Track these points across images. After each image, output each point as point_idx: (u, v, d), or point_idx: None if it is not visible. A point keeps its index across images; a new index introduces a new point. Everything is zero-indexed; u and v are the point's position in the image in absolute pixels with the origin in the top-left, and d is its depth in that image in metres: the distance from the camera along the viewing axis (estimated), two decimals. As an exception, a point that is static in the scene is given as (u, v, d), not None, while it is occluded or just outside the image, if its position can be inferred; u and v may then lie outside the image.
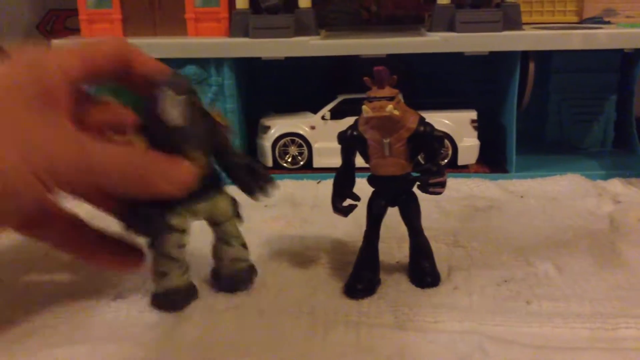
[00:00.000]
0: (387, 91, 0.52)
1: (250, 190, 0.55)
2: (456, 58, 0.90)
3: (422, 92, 1.02)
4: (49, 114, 0.44)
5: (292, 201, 0.81)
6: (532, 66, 0.90)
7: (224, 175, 0.56)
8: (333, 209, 0.58)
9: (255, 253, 0.61)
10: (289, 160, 0.93)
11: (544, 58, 0.96)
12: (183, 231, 0.53)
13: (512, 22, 0.87)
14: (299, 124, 0.92)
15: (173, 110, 0.48)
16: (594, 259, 0.63)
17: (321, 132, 0.92)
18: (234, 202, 0.56)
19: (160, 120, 0.48)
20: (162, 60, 0.81)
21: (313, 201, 0.81)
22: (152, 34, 0.92)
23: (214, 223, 0.56)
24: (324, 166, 0.92)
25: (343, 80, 1.02)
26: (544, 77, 0.99)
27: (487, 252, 0.65)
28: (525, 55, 0.89)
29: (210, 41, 0.89)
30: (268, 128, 0.92)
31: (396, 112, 0.51)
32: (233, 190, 0.56)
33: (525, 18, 0.92)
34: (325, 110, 0.92)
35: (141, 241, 0.55)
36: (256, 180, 0.55)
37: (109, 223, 0.54)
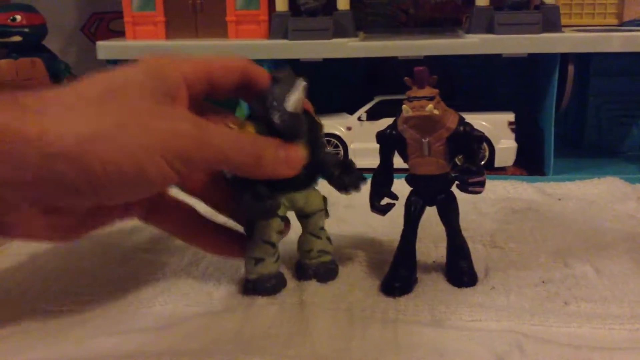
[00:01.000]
0: (427, 91, 0.53)
1: (342, 186, 0.57)
2: (494, 60, 0.90)
3: (460, 94, 1.02)
4: (171, 105, 0.47)
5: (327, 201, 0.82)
6: (571, 69, 0.89)
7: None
8: (371, 207, 0.59)
9: (292, 251, 0.63)
10: (326, 160, 0.94)
11: (583, 60, 0.95)
12: (283, 218, 0.57)
13: (552, 24, 0.87)
14: (336, 124, 0.93)
15: (292, 97, 0.51)
16: (633, 262, 0.62)
17: (357, 133, 0.93)
18: (324, 198, 0.59)
19: (268, 114, 0.52)
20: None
21: (348, 201, 0.82)
22: (194, 36, 0.94)
23: (305, 215, 0.59)
24: (360, 167, 0.92)
25: (380, 81, 1.03)
26: (583, 79, 0.98)
27: (525, 253, 0.65)
28: (565, 58, 0.88)
29: (250, 43, 0.90)
30: (305, 129, 0.94)
31: (436, 112, 0.52)
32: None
33: (564, 20, 0.92)
34: (362, 111, 0.93)
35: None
36: (348, 176, 0.57)
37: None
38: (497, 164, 0.91)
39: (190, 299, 0.57)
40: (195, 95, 0.50)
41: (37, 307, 0.57)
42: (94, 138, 0.41)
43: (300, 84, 0.51)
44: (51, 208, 0.47)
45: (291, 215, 0.59)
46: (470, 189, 0.55)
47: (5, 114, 0.41)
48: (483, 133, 0.59)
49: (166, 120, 0.45)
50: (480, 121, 0.90)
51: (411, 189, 0.58)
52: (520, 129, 0.91)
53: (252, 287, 0.57)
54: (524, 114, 0.93)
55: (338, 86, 1.04)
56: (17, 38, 0.96)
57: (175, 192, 0.58)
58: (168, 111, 0.46)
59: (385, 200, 0.59)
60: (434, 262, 0.63)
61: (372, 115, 0.93)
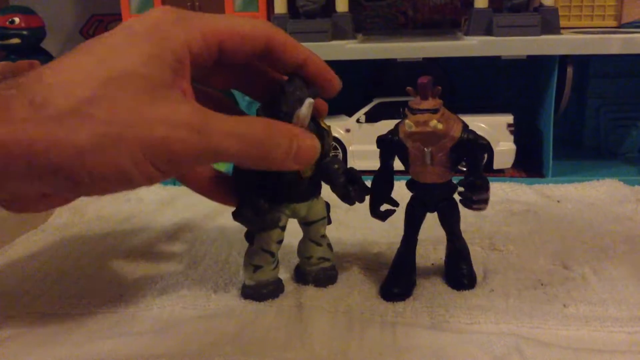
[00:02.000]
0: (431, 103, 0.51)
1: (346, 197, 0.57)
2: (493, 62, 0.90)
3: (458, 96, 1.02)
4: (170, 87, 0.43)
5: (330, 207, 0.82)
6: (570, 71, 0.89)
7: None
8: (371, 213, 0.58)
9: (291, 254, 0.63)
10: (325, 162, 0.94)
11: (582, 62, 0.95)
12: (283, 228, 0.56)
13: (551, 26, 0.87)
14: (334, 126, 0.93)
15: (299, 112, 0.49)
16: (632, 264, 0.62)
17: (356, 135, 0.93)
18: (327, 205, 0.59)
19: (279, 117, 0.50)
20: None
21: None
22: (192, 38, 0.94)
23: (307, 223, 0.58)
24: (358, 169, 0.92)
25: (379, 83, 1.03)
26: (582, 81, 0.98)
27: (524, 255, 0.65)
28: (564, 60, 0.88)
29: (248, 45, 0.90)
30: (304, 131, 0.93)
31: (440, 127, 0.50)
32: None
33: (563, 22, 0.92)
34: (361, 114, 0.93)
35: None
36: (353, 187, 0.56)
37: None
38: (496, 166, 0.91)
39: (188, 302, 0.57)
40: (202, 62, 0.46)
41: (34, 310, 0.57)
42: (83, 151, 0.39)
43: (308, 101, 0.49)
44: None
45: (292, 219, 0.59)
46: (474, 206, 0.54)
47: None
48: (488, 141, 0.57)
49: (160, 124, 0.41)
50: (479, 123, 0.90)
51: (412, 194, 0.57)
52: (519, 131, 0.91)
53: (250, 292, 0.57)
54: (522, 116, 0.93)
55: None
56: (16, 40, 0.96)
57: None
58: (164, 108, 0.42)
59: (385, 206, 0.58)
60: (432, 264, 0.63)
61: (371, 118, 0.93)
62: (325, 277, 0.60)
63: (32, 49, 0.98)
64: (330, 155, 0.58)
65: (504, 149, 0.91)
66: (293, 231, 0.59)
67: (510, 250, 0.66)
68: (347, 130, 0.94)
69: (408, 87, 0.51)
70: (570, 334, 0.50)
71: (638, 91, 0.98)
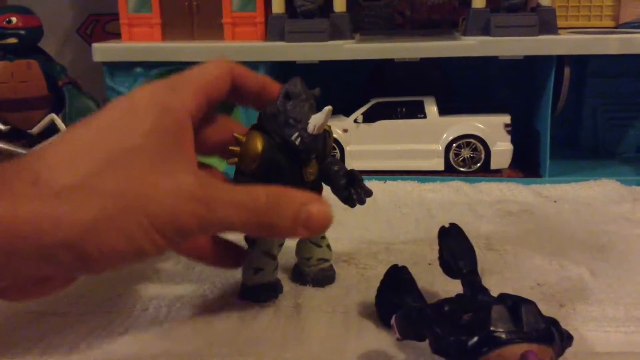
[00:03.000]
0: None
1: (348, 199, 0.56)
2: (491, 62, 0.90)
3: (456, 96, 1.02)
4: (174, 160, 0.43)
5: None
6: (567, 71, 0.89)
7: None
8: None
9: (289, 254, 0.63)
10: (322, 162, 0.94)
11: (580, 63, 0.96)
12: None
13: (548, 26, 0.87)
14: (332, 126, 0.93)
15: (317, 121, 0.50)
16: (629, 264, 0.62)
17: (354, 135, 0.93)
18: None
19: (284, 132, 0.50)
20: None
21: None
22: (190, 38, 0.94)
23: None
24: (357, 169, 0.92)
25: (377, 83, 1.03)
26: (579, 81, 0.98)
27: (520, 255, 0.65)
28: (561, 60, 0.88)
29: (246, 45, 0.90)
30: (301, 131, 0.93)
31: None
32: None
33: (560, 22, 0.92)
34: (358, 114, 0.93)
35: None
36: (354, 188, 0.56)
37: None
38: (492, 166, 0.91)
39: (185, 302, 0.57)
40: (197, 117, 0.47)
41: (31, 310, 0.56)
42: (91, 225, 0.39)
43: (326, 109, 0.49)
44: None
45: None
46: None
47: None
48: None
49: (167, 196, 0.41)
50: (476, 123, 0.90)
51: None
52: (516, 131, 0.91)
53: (249, 293, 0.57)
54: (520, 116, 0.93)
55: (334, 88, 1.03)
56: (13, 40, 0.96)
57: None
58: (169, 180, 0.42)
59: None
60: (429, 264, 0.63)
61: (369, 118, 0.93)
62: (323, 278, 0.60)
63: (29, 48, 0.98)
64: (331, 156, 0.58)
65: (501, 149, 0.91)
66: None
67: (506, 250, 0.66)
68: (345, 131, 0.94)
69: None
70: (566, 334, 0.50)
71: (636, 91, 0.98)
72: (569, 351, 0.44)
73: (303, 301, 0.57)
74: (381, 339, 0.51)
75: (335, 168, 0.56)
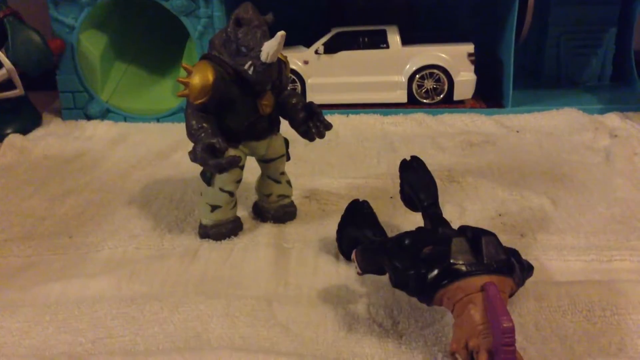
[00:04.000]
0: None
1: (306, 132, 0.54)
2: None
3: (420, 25, 1.00)
4: None
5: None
6: (531, -3, 0.87)
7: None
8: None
9: (249, 191, 0.61)
10: (282, 96, 0.92)
11: (544, -11, 0.94)
12: (242, 167, 0.54)
13: (512, -50, 0.84)
14: (292, 58, 0.90)
15: (269, 48, 0.47)
16: (589, 193, 0.63)
17: (315, 67, 0.90)
18: (286, 141, 0.56)
19: (236, 62, 0.48)
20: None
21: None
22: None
23: (266, 160, 0.56)
24: (318, 102, 0.90)
25: (337, 12, 0.99)
26: (543, 9, 0.96)
27: (482, 186, 0.65)
28: (525, -14, 0.86)
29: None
30: (260, 63, 0.90)
31: None
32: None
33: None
34: (319, 44, 0.90)
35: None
36: (313, 122, 0.54)
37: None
38: (456, 97, 0.90)
39: (141, 242, 0.56)
40: None
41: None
42: None
43: (279, 34, 0.47)
44: None
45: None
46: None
47: None
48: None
49: None
50: (439, 53, 0.88)
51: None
52: (479, 61, 0.89)
53: (208, 232, 0.56)
54: (483, 45, 0.92)
55: (293, 17, 1.00)
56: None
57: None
58: None
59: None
60: (391, 198, 0.63)
61: (330, 49, 0.90)
62: (284, 214, 0.59)
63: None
64: (289, 88, 0.55)
65: (465, 79, 0.89)
66: (250, 167, 0.57)
67: (468, 181, 0.66)
68: (305, 62, 0.91)
69: None
70: (527, 264, 0.50)
71: (599, 19, 0.96)
72: (529, 281, 0.44)
73: (262, 238, 0.56)
74: (341, 274, 0.50)
75: (293, 101, 0.54)
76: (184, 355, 0.40)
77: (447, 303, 0.39)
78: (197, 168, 0.52)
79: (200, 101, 0.48)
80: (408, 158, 0.53)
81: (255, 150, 0.54)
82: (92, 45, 0.89)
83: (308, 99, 0.91)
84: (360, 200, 0.52)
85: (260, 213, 0.59)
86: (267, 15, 0.50)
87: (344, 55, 0.89)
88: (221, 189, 0.54)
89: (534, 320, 0.43)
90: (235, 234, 0.56)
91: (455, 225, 0.45)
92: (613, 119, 0.83)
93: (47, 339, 0.43)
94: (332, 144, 0.78)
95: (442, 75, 0.89)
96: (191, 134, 0.49)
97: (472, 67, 0.89)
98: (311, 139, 0.55)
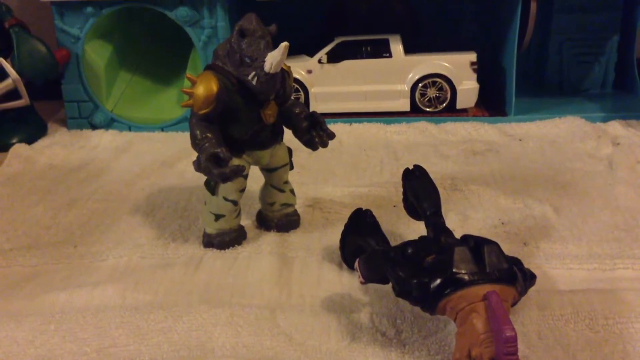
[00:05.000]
0: None
1: (309, 141, 0.55)
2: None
3: (423, 33, 1.00)
4: None
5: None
6: (534, 6, 0.87)
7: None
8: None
9: (253, 200, 0.61)
10: (286, 105, 0.92)
11: (546, -3, 0.94)
12: (245, 176, 0.54)
13: (514, -41, 0.84)
14: (295, 67, 0.91)
15: (273, 58, 0.48)
16: (592, 201, 0.63)
17: (318, 77, 0.91)
18: (289, 150, 0.57)
19: (240, 72, 0.49)
20: (155, 2, 0.80)
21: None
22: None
23: (269, 169, 0.57)
24: (321, 112, 0.91)
25: (340, 21, 1.00)
26: (545, 17, 0.97)
27: (485, 195, 0.65)
28: (527, -5, 0.86)
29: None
30: (264, 72, 0.91)
31: None
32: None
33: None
34: (322, 53, 0.91)
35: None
36: (316, 131, 0.54)
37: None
38: (459, 105, 0.90)
39: (145, 251, 0.56)
40: None
41: (-16, 263, 0.55)
42: None
43: (282, 45, 0.47)
44: None
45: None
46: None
47: None
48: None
49: None
50: (442, 62, 0.88)
51: None
52: (481, 69, 0.90)
53: (212, 241, 0.56)
54: (485, 53, 0.92)
55: (297, 27, 1.00)
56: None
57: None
58: None
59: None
60: (394, 206, 0.63)
61: (333, 57, 0.90)
62: (287, 223, 0.59)
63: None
64: (292, 98, 0.56)
65: (467, 88, 0.89)
66: (254, 176, 0.57)
67: (471, 190, 0.66)
68: (309, 72, 0.91)
69: None
70: (529, 272, 0.50)
71: (601, 26, 0.97)
72: (532, 289, 0.44)
73: (266, 247, 0.56)
74: (345, 283, 0.50)
75: (297, 110, 0.55)
76: (188, 364, 0.41)
77: (450, 312, 0.39)
78: (201, 177, 0.52)
79: (204, 111, 0.49)
80: (411, 167, 0.53)
81: (258, 159, 0.55)
82: (97, 55, 0.90)
83: (311, 108, 0.91)
84: (364, 209, 0.52)
85: (264, 222, 0.60)
86: (270, 25, 0.50)
87: (347, 64, 0.89)
88: (225, 198, 0.54)
89: (537, 329, 0.43)
90: (239, 243, 0.57)
91: (458, 233, 0.45)
92: (615, 127, 0.83)
93: (52, 348, 0.43)
94: (336, 152, 0.78)
95: (445, 84, 0.89)
96: (195, 144, 0.50)
97: (475, 76, 0.89)
98: (314, 148, 0.55)
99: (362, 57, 0.89)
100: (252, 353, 0.42)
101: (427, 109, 0.90)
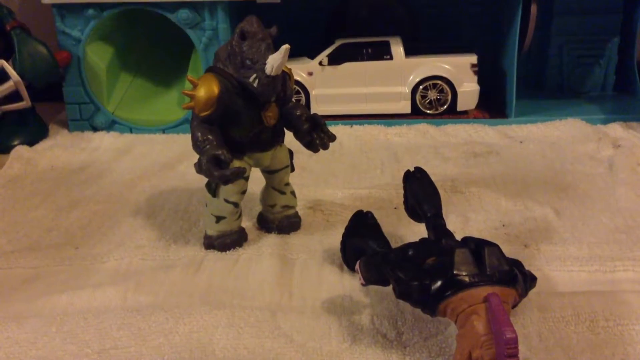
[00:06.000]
0: None
1: (310, 143, 0.55)
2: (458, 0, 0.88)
3: (423, 36, 1.00)
4: None
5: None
6: (534, 8, 0.88)
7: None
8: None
9: (254, 202, 0.61)
10: (287, 107, 0.92)
11: (546, 0, 0.94)
12: (246, 178, 0.54)
13: (514, -39, 0.84)
14: (296, 69, 0.91)
15: (274, 61, 0.48)
16: (592, 203, 0.63)
17: (319, 79, 0.91)
18: (290, 152, 0.57)
19: (241, 74, 0.49)
20: (155, 4, 0.80)
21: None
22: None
23: (270, 171, 0.57)
24: (322, 114, 0.91)
25: (341, 24, 1.00)
26: (546, 19, 0.97)
27: (486, 197, 0.65)
28: (528, -3, 0.86)
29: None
30: (265, 74, 0.91)
31: None
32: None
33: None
34: (323, 56, 0.91)
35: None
36: (317, 133, 0.54)
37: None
38: (459, 107, 0.90)
39: (146, 253, 0.56)
40: None
41: (-14, 265, 0.55)
42: None
43: (283, 47, 0.47)
44: None
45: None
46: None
47: None
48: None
49: None
50: (442, 64, 0.89)
51: None
52: (482, 71, 0.90)
53: (212, 242, 0.56)
54: (486, 56, 0.92)
55: (297, 29, 1.00)
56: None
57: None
58: None
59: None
60: (395, 208, 0.63)
61: (334, 60, 0.90)
62: (288, 225, 0.59)
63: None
64: (293, 100, 0.56)
65: (468, 90, 0.89)
66: (255, 178, 0.57)
67: (472, 192, 0.66)
68: (310, 74, 0.91)
69: None
70: (530, 274, 0.50)
71: (602, 29, 0.97)
72: (532, 291, 0.44)
73: (267, 249, 0.56)
74: (346, 284, 0.50)
75: (298, 112, 0.55)
76: (189, 366, 0.41)
77: (451, 314, 0.39)
78: (202, 179, 0.52)
79: (205, 113, 0.49)
80: (412, 169, 0.53)
81: (259, 161, 0.55)
82: (98, 57, 0.90)
83: (312, 110, 0.92)
84: (365, 211, 0.52)
85: (265, 224, 0.60)
86: (271, 28, 0.51)
87: (347, 66, 0.90)
88: (226, 200, 0.54)
89: (538, 331, 0.43)
90: (240, 245, 0.57)
91: (458, 235, 0.45)
92: (616, 129, 0.83)
93: (53, 349, 0.43)
94: (336, 154, 0.78)
95: (446, 86, 0.89)
96: (196, 146, 0.50)
97: (475, 78, 0.89)
98: (315, 150, 0.55)
99: (362, 60, 0.90)
100: (253, 355, 0.42)
101: (428, 111, 0.90)
